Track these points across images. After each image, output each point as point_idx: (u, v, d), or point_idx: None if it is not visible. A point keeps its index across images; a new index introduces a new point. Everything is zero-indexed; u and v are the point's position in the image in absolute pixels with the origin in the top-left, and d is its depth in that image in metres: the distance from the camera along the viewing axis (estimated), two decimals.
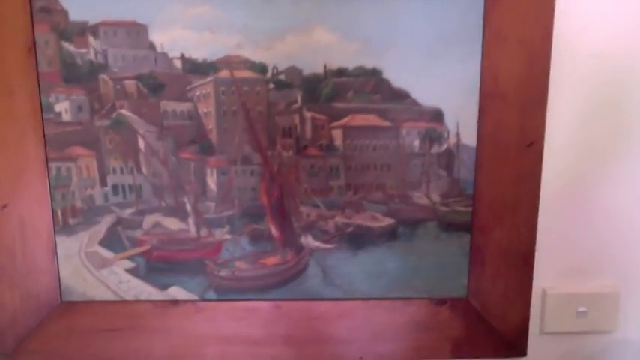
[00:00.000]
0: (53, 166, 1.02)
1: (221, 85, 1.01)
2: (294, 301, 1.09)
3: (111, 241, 1.07)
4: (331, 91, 1.01)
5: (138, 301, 1.09)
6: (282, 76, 1.01)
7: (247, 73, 1.00)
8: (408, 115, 1.03)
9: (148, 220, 1.07)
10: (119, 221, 1.06)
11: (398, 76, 1.00)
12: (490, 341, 1.10)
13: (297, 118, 1.03)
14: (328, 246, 1.09)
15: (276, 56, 0.99)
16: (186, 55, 0.99)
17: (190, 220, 1.07)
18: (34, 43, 0.97)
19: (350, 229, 1.08)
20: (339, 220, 1.08)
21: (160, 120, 1.02)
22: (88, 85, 1.00)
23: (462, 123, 1.03)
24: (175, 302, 1.09)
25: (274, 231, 1.08)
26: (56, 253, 1.06)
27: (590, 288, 1.12)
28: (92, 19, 0.97)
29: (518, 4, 0.95)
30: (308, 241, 1.09)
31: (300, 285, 1.10)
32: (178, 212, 1.07)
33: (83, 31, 0.98)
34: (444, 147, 1.05)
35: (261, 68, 1.00)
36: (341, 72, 1.00)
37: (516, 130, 1.00)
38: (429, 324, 1.10)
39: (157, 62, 0.99)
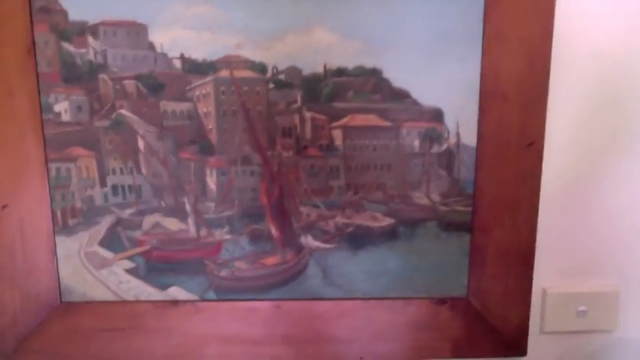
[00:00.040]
0: (53, 166, 1.02)
1: (221, 85, 1.01)
2: (294, 301, 1.09)
3: (111, 241, 1.07)
4: (331, 91, 1.01)
5: (138, 302, 1.08)
6: (282, 76, 1.00)
7: (247, 73, 1.00)
8: (408, 115, 1.03)
9: (148, 221, 1.07)
10: (119, 221, 1.06)
11: (398, 76, 1.00)
12: (490, 341, 1.10)
13: (297, 118, 1.03)
14: (328, 246, 1.09)
15: (276, 56, 0.99)
16: (186, 55, 0.99)
17: (190, 221, 1.07)
18: (34, 43, 0.97)
19: (350, 229, 1.08)
20: (339, 220, 1.08)
21: (160, 120, 1.02)
22: (88, 85, 1.00)
23: (462, 122, 1.03)
24: (175, 303, 1.08)
25: (274, 231, 1.08)
26: (56, 253, 1.06)
27: (590, 287, 1.12)
28: (92, 19, 0.97)
29: (519, 2, 0.95)
30: (308, 241, 1.09)
31: (300, 285, 1.09)
32: (178, 212, 1.07)
33: (83, 31, 0.98)
34: (444, 147, 1.05)
35: (261, 68, 1.00)
36: (341, 72, 1.00)
37: (516, 130, 1.00)
38: (429, 324, 1.10)
39: (157, 62, 0.99)
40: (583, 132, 1.04)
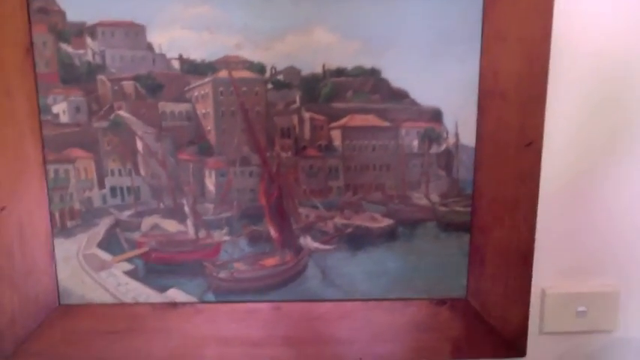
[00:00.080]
0: (51, 167, 1.02)
1: (219, 86, 1.01)
2: (294, 303, 1.09)
3: (109, 243, 1.07)
4: (330, 91, 1.01)
5: (137, 304, 1.08)
6: (280, 77, 1.00)
7: (246, 74, 1.00)
8: (407, 115, 1.03)
9: (147, 222, 1.07)
10: (117, 223, 1.06)
11: (397, 76, 1.00)
12: (490, 341, 1.10)
13: (295, 119, 1.03)
14: (327, 247, 1.09)
15: (275, 56, 0.99)
16: (185, 56, 0.99)
17: (189, 222, 1.07)
18: (32, 43, 0.97)
19: (349, 230, 1.08)
20: (338, 220, 1.08)
21: (159, 121, 1.02)
22: (86, 86, 1.00)
23: (461, 123, 1.03)
24: (174, 304, 1.08)
25: (273, 232, 1.08)
26: (54, 255, 1.05)
27: (590, 288, 1.12)
28: (90, 19, 0.97)
29: (518, 2, 0.95)
30: (307, 242, 1.08)
31: (300, 286, 1.09)
32: (177, 214, 1.06)
33: (81, 31, 0.98)
34: (443, 147, 1.05)
35: (260, 68, 1.00)
36: (340, 72, 1.00)
37: (515, 130, 1.00)
38: (429, 325, 1.10)
39: (155, 63, 0.99)
40: (582, 132, 1.05)
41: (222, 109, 1.02)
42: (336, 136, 1.04)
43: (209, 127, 1.03)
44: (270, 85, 1.01)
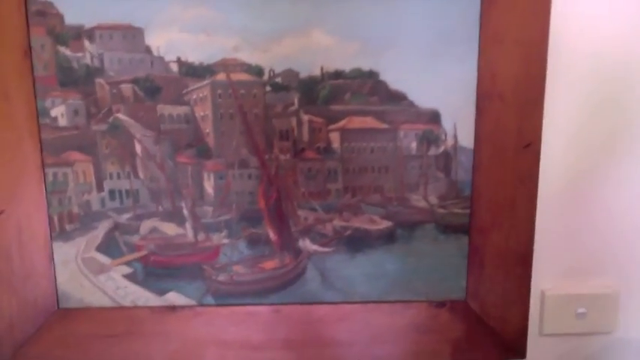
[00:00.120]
0: (50, 171, 1.02)
1: (218, 89, 1.01)
2: (293, 305, 1.09)
3: (108, 246, 1.07)
4: (328, 93, 1.01)
5: (136, 307, 1.08)
6: (278, 79, 1.00)
7: (244, 76, 1.00)
8: (405, 117, 1.03)
9: (145, 225, 1.06)
10: (116, 226, 1.06)
11: (395, 78, 1.00)
12: (489, 343, 1.10)
13: (294, 121, 1.03)
14: (326, 249, 1.09)
15: (273, 59, 0.99)
16: (183, 59, 0.99)
17: (188, 225, 1.07)
18: (30, 46, 0.97)
19: (348, 232, 1.08)
20: (337, 223, 1.08)
21: (157, 124, 1.02)
22: (84, 89, 1.00)
23: (459, 124, 1.03)
24: (173, 308, 1.08)
25: (272, 235, 1.08)
26: (53, 259, 1.05)
27: (590, 289, 1.12)
28: (88, 22, 0.97)
29: (515, 4, 0.95)
30: (306, 244, 1.08)
31: (299, 289, 1.09)
32: (176, 217, 1.06)
33: (79, 34, 0.98)
34: (442, 149, 1.05)
35: (258, 71, 1.00)
36: (338, 74, 1.00)
37: (514, 131, 1.00)
38: (428, 327, 1.10)
39: (154, 66, 0.99)
40: (580, 133, 1.05)
41: (220, 112, 1.02)
42: (335, 138, 1.04)
43: (208, 130, 1.03)
44: (268, 88, 1.01)
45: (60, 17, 0.96)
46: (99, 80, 1.00)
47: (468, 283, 1.09)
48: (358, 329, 1.09)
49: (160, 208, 1.06)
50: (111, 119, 1.02)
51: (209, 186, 1.05)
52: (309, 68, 0.99)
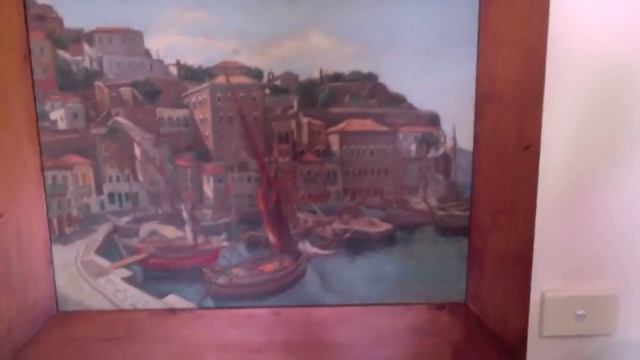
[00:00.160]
0: (49, 174, 1.02)
1: (217, 92, 1.01)
2: (293, 308, 1.09)
3: (107, 249, 1.07)
4: (327, 96, 1.01)
5: (135, 310, 1.08)
6: (278, 82, 1.01)
7: (243, 79, 1.00)
8: (404, 120, 1.03)
9: (145, 228, 1.06)
10: (116, 229, 1.06)
11: (394, 81, 1.01)
12: (489, 345, 1.10)
13: (293, 124, 1.03)
14: (326, 252, 1.09)
15: (272, 61, 0.99)
16: (182, 62, 0.99)
17: (187, 228, 1.07)
18: (29, 50, 0.97)
19: (348, 235, 1.08)
20: (337, 225, 1.08)
21: (156, 127, 1.02)
22: (84, 92, 1.00)
23: (459, 127, 1.03)
24: (173, 311, 1.08)
25: (272, 237, 1.08)
26: (52, 262, 1.05)
27: (589, 291, 1.11)
28: (87, 26, 0.97)
29: (514, 5, 0.96)
30: (306, 247, 1.08)
31: (299, 291, 1.09)
32: (175, 220, 1.06)
33: (78, 38, 0.98)
34: (441, 151, 1.05)
35: (257, 74, 1.00)
36: (337, 77, 1.00)
37: (513, 133, 1.00)
38: (428, 329, 1.10)
39: (153, 69, 0.99)
40: (580, 134, 1.05)
41: (219, 115, 1.02)
42: (334, 140, 1.04)
43: (207, 133, 1.03)
44: (267, 91, 1.01)
45: (59, 21, 0.97)
46: (98, 83, 1.00)
47: (468, 285, 1.09)
48: (358, 332, 1.09)
49: (160, 211, 1.06)
50: (110, 122, 1.02)
51: (208, 189, 1.05)
52: (308, 71, 1.00)
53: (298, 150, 1.04)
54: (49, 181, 1.02)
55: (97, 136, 1.02)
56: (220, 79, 1.00)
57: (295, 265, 1.09)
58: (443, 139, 1.04)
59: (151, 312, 1.08)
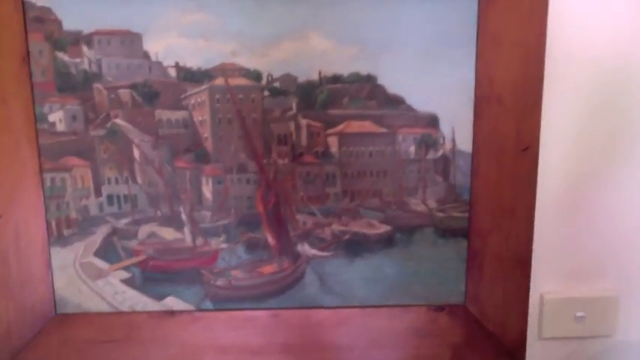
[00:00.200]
0: (47, 176, 1.02)
1: (216, 93, 1.01)
2: (292, 310, 1.09)
3: (106, 251, 1.06)
4: (326, 97, 1.01)
5: (134, 312, 1.08)
6: (276, 84, 1.01)
7: (242, 81, 1.00)
8: (403, 121, 1.03)
9: (144, 230, 1.06)
10: (114, 231, 1.06)
11: (393, 82, 1.01)
12: (488, 347, 1.10)
13: (292, 126, 1.03)
14: (325, 254, 1.09)
15: (271, 63, 0.99)
16: (181, 64, 0.99)
17: (186, 230, 1.07)
18: (28, 52, 0.97)
19: (347, 237, 1.08)
20: (336, 227, 1.08)
21: (155, 129, 1.02)
22: (83, 94, 1.00)
23: (458, 128, 1.03)
24: (172, 313, 1.08)
25: (271, 239, 1.08)
26: (51, 264, 1.05)
27: (588, 292, 1.11)
28: (86, 28, 0.97)
29: (512, 7, 0.96)
30: (305, 249, 1.08)
31: (298, 293, 1.09)
32: (174, 222, 1.06)
33: (77, 40, 0.98)
34: (440, 152, 1.05)
35: (256, 76, 1.00)
36: (336, 79, 1.00)
37: (512, 134, 1.00)
38: (428, 331, 1.10)
39: (152, 71, 0.99)
40: (579, 136, 1.05)
41: (218, 117, 1.02)
42: (333, 142, 1.04)
43: (206, 135, 1.03)
44: (266, 93, 1.01)
45: (58, 23, 0.97)
46: (97, 86, 1.00)
47: (467, 287, 1.09)
48: (357, 333, 1.09)
49: (159, 213, 1.05)
50: (109, 124, 1.02)
51: (207, 190, 1.05)
52: (307, 73, 1.00)
53: (297, 152, 1.04)
54: (48, 183, 1.02)
55: (95, 138, 1.02)
56: (219, 81, 1.00)
57: (294, 267, 1.09)
58: (442, 141, 1.04)
59: (150, 314, 1.08)
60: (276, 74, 1.00)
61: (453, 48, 0.99)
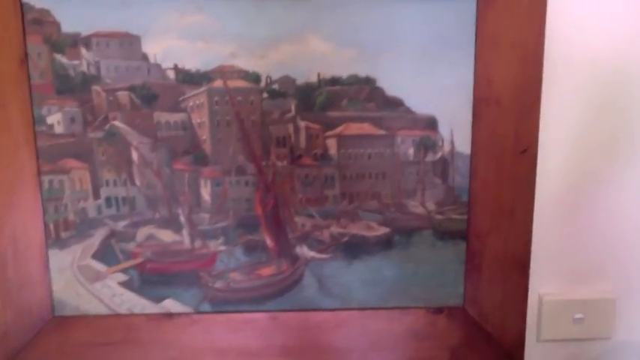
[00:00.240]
0: (45, 178, 1.02)
1: (215, 95, 1.01)
2: (291, 312, 1.08)
3: (104, 254, 1.06)
4: (325, 99, 1.01)
5: (132, 315, 1.07)
6: (275, 86, 1.01)
7: (241, 83, 1.00)
8: (402, 123, 1.03)
9: (142, 232, 1.06)
10: (112, 234, 1.05)
11: (392, 84, 1.01)
12: (487, 350, 1.10)
13: (291, 128, 1.03)
14: (323, 256, 1.08)
15: (270, 65, 0.99)
16: (180, 66, 0.99)
17: (184, 232, 1.06)
18: (26, 54, 0.97)
19: (345, 239, 1.08)
20: (334, 229, 1.08)
21: (154, 131, 1.02)
22: (81, 96, 1.00)
23: (456, 130, 1.03)
24: (170, 315, 1.07)
25: (269, 241, 1.08)
26: (48, 266, 1.04)
27: (587, 294, 1.12)
28: (84, 30, 0.97)
29: (511, 9, 0.96)
30: (303, 251, 1.08)
31: (296, 295, 1.09)
32: (172, 224, 1.06)
33: (75, 42, 0.98)
34: (439, 155, 1.05)
35: (255, 78, 1.00)
36: (335, 81, 1.00)
37: (511, 136, 1.00)
38: (426, 333, 1.10)
39: (150, 73, 0.99)
40: (577, 137, 1.05)
41: (217, 119, 1.02)
42: (332, 144, 1.04)
43: (204, 137, 1.03)
44: (265, 95, 1.01)
45: (56, 25, 0.96)
46: (95, 88, 1.00)
47: (466, 289, 1.09)
48: (356, 336, 1.09)
49: (157, 215, 1.05)
50: (107, 127, 1.01)
51: (206, 193, 1.05)
52: (306, 75, 1.00)
53: (296, 154, 1.04)
54: (46, 185, 1.02)
55: (94, 141, 1.02)
56: (218, 83, 1.00)
57: (293, 269, 1.08)
58: (440, 143, 1.04)
59: (148, 317, 1.07)
60: (275, 76, 1.00)
61: (452, 49, 0.99)
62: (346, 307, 1.09)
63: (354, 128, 1.04)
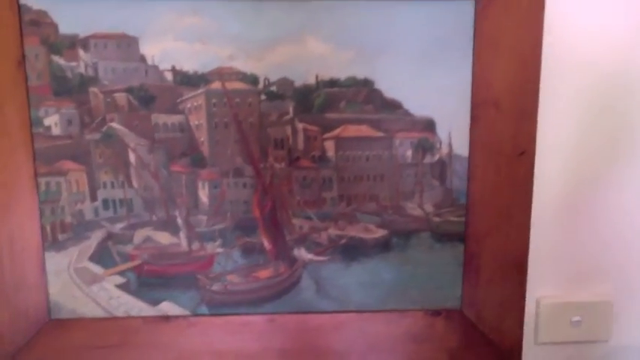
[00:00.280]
0: (42, 180, 1.01)
1: (212, 97, 1.01)
2: (288, 315, 1.08)
3: (101, 256, 1.06)
4: (323, 101, 1.01)
5: (129, 318, 1.07)
6: (273, 88, 1.00)
7: (239, 85, 1.00)
8: (400, 126, 1.03)
9: (139, 235, 1.06)
10: (109, 236, 1.05)
11: (390, 87, 1.01)
12: (485, 352, 1.10)
13: (289, 130, 1.03)
14: (321, 258, 1.08)
15: (268, 67, 0.99)
16: (178, 67, 0.99)
17: (182, 234, 1.06)
18: (24, 56, 0.96)
19: (343, 241, 1.08)
20: (332, 231, 1.08)
21: (151, 133, 1.02)
22: (78, 98, 1.00)
23: (454, 132, 1.03)
24: (167, 318, 1.07)
25: (267, 244, 1.07)
26: (45, 269, 1.04)
27: (585, 297, 1.12)
28: (82, 31, 0.97)
29: (509, 11, 0.96)
30: (301, 253, 1.08)
31: (294, 298, 1.09)
32: (170, 226, 1.06)
33: (73, 44, 0.98)
34: (437, 157, 1.05)
35: (253, 80, 1.00)
36: (333, 83, 1.00)
37: (508, 139, 1.00)
38: (424, 335, 1.10)
39: (148, 74, 0.99)
40: (575, 140, 1.05)
41: (215, 121, 1.02)
42: (330, 146, 1.04)
43: (202, 139, 1.03)
44: (263, 96, 1.01)
45: (54, 26, 0.96)
46: (93, 89, 1.00)
47: (464, 291, 1.09)
48: (354, 338, 1.08)
49: (154, 218, 1.05)
50: (105, 128, 1.01)
51: (203, 195, 1.05)
52: (304, 76, 1.00)
53: (294, 156, 1.04)
54: (43, 187, 1.01)
55: (91, 142, 1.01)
56: (216, 85, 1.00)
57: (290, 272, 1.08)
58: (438, 145, 1.04)
59: (145, 319, 1.07)
60: (273, 78, 1.00)
61: (450, 52, 0.99)
62: (344, 310, 1.09)
63: (352, 130, 1.04)
